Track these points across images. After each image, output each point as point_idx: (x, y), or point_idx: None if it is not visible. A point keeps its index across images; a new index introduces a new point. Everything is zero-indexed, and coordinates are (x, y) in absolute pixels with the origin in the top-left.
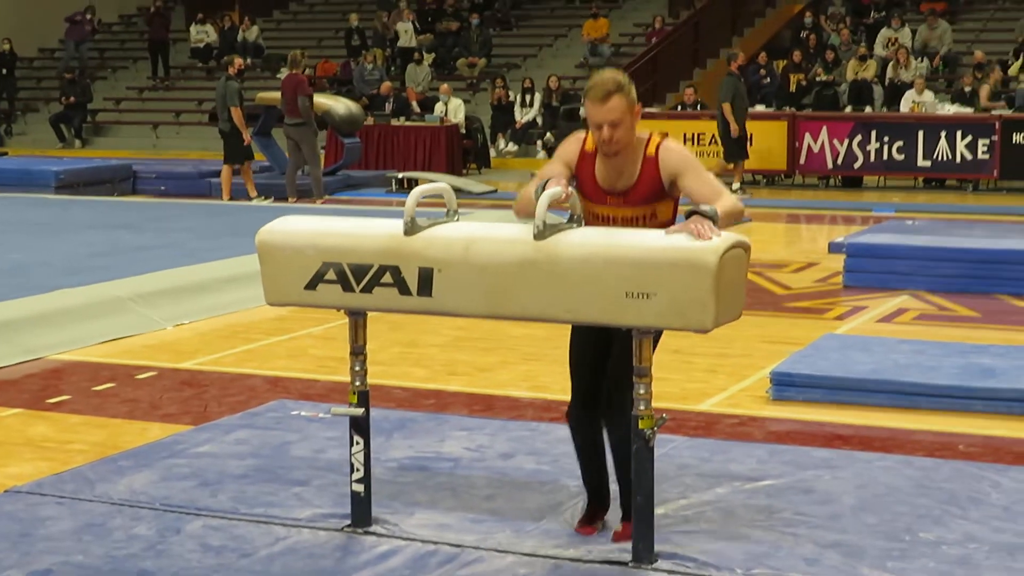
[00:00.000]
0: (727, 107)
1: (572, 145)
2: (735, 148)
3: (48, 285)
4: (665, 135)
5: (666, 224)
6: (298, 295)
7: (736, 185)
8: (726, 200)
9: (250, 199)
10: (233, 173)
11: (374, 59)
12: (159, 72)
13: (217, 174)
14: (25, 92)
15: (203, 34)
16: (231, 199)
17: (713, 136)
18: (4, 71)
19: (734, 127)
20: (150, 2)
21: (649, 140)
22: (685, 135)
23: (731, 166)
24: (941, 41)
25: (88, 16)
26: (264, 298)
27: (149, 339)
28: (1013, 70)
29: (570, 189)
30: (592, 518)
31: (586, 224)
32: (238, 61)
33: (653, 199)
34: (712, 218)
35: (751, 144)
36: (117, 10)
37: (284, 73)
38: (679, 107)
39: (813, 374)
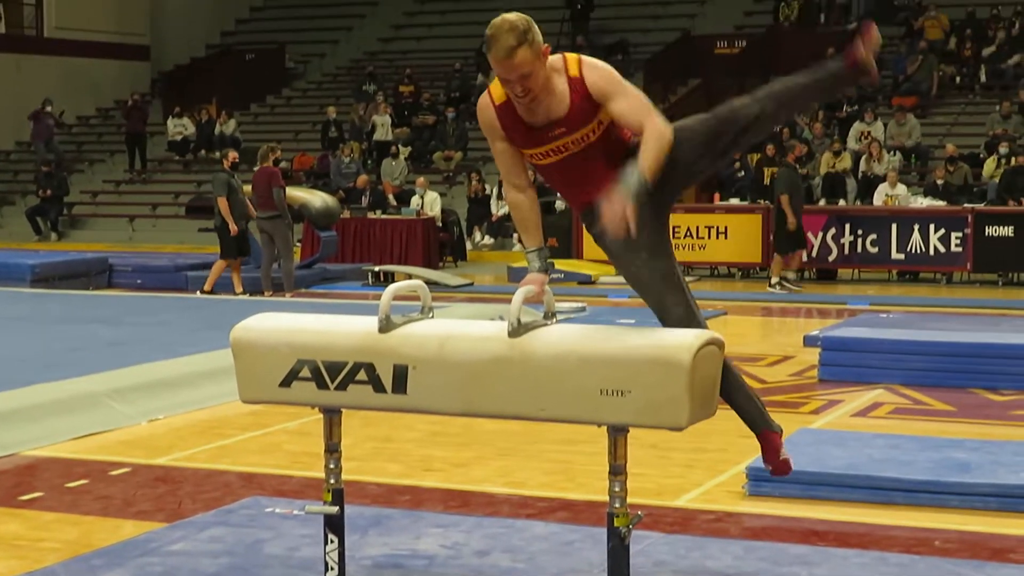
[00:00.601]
0: (785, 199)
1: (486, 115)
2: (789, 241)
3: (22, 380)
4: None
5: (614, 127)
6: (272, 392)
7: (791, 275)
8: (651, 125)
9: (235, 294)
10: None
11: (351, 152)
12: (136, 165)
13: (193, 268)
14: (1, 185)
15: (180, 127)
16: (211, 292)
17: (688, 230)
18: None
19: (791, 219)
20: (128, 95)
21: (566, 62)
22: None
23: (791, 257)
24: (910, 136)
25: (47, 109)
26: (239, 395)
27: (123, 435)
28: (988, 169)
29: (546, 288)
30: (771, 448)
31: (542, 172)
32: (232, 154)
33: (595, 114)
34: (636, 185)
35: (726, 237)
36: (94, 103)
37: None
38: None
39: None
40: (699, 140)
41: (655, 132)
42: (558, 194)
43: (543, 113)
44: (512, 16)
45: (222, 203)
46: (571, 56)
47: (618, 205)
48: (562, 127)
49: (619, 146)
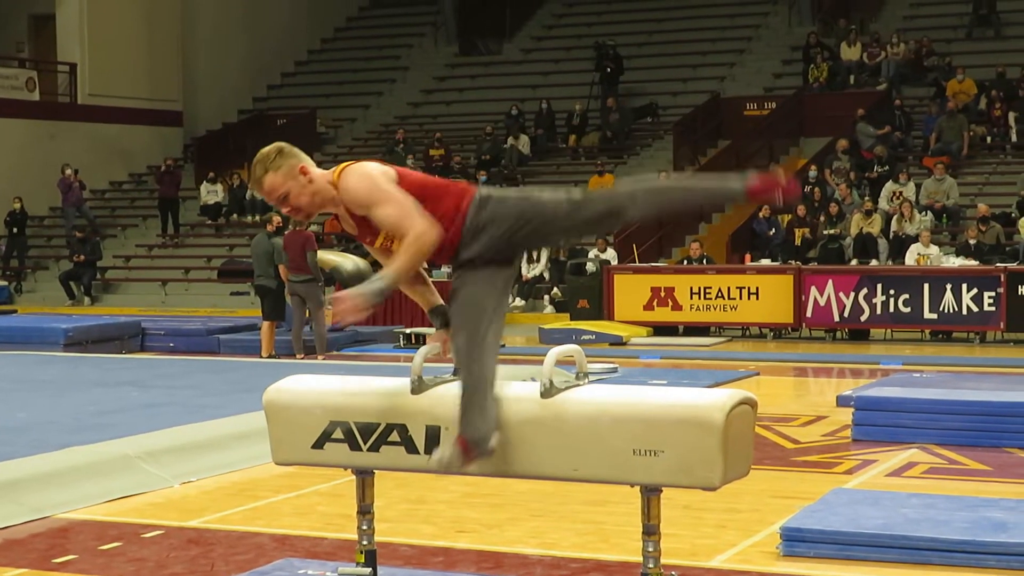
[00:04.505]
0: None
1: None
2: None
3: (55, 443)
4: (347, 165)
5: None
6: (305, 454)
7: None
8: (411, 232)
9: (261, 356)
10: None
11: None
12: (169, 229)
13: (225, 331)
14: (35, 250)
15: (212, 193)
16: (275, 355)
17: (720, 290)
18: (15, 229)
19: None
20: (160, 161)
21: (333, 175)
22: (692, 288)
23: None
24: (947, 195)
25: (69, 174)
26: (271, 457)
27: (156, 497)
28: (1021, 228)
29: (578, 348)
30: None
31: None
32: (276, 218)
33: (377, 229)
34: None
35: (757, 298)
36: (127, 169)
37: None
38: (685, 261)
39: (823, 529)
40: (572, 224)
41: (411, 238)
42: (589, 255)
43: (345, 225)
44: (266, 148)
45: (283, 269)
46: (337, 168)
47: (348, 301)
48: (366, 237)
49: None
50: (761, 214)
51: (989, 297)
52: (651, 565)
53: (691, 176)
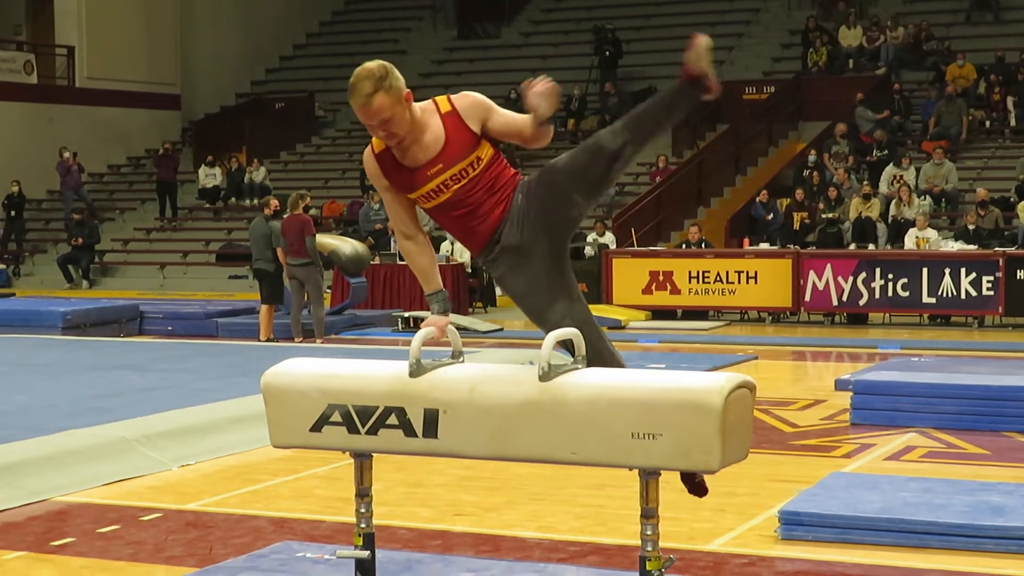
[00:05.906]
0: None
1: (369, 165)
2: None
3: (53, 427)
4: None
5: (493, 163)
6: (303, 437)
7: None
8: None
9: (259, 340)
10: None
11: (380, 199)
12: (167, 213)
13: (223, 314)
14: (33, 233)
15: (211, 176)
16: (273, 339)
17: (718, 275)
18: (13, 213)
19: None
20: (158, 144)
21: (436, 103)
22: (690, 272)
23: None
24: (946, 179)
25: (68, 157)
26: (269, 440)
27: (154, 480)
28: (1022, 209)
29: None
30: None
31: (437, 219)
32: (274, 202)
33: (472, 147)
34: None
35: (756, 282)
36: (125, 152)
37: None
38: (684, 245)
39: (821, 513)
40: (572, 171)
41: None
42: (587, 239)
43: (420, 153)
44: (372, 64)
45: (281, 253)
46: (440, 96)
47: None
48: (439, 163)
49: (502, 182)
50: (759, 198)
51: (988, 281)
52: (649, 548)
53: (648, 100)
